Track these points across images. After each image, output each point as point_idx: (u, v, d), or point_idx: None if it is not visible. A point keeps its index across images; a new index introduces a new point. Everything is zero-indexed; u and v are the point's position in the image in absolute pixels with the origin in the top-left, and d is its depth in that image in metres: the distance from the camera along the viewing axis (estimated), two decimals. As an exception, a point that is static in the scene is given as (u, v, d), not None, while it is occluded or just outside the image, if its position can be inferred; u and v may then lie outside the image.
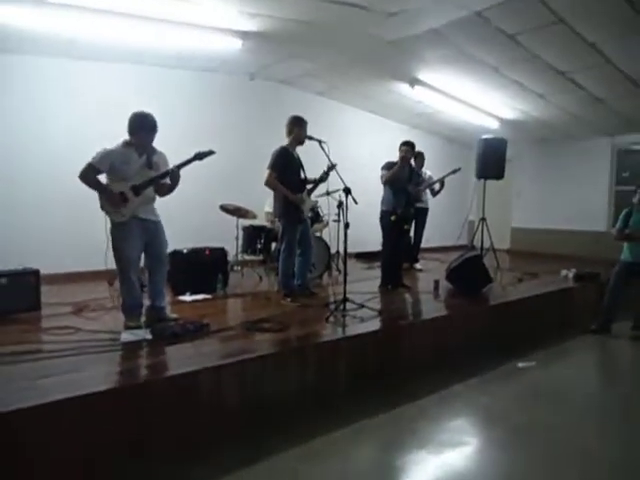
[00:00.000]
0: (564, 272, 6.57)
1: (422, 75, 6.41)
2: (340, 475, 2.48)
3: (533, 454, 2.72)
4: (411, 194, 5.41)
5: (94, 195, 3.35)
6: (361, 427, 2.96)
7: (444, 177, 7.00)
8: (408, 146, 5.30)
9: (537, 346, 4.72)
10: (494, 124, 8.32)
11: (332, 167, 4.46)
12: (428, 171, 7.12)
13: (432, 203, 7.42)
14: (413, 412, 3.21)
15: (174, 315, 3.73)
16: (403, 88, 6.91)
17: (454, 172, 6.89)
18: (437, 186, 7.14)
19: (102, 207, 3.36)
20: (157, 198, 3.61)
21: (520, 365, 4.21)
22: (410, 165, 5.56)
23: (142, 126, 3.43)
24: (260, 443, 2.69)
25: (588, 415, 3.36)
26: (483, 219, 7.03)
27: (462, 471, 2.53)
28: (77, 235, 5.37)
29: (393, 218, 5.18)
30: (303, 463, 2.54)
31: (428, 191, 7.10)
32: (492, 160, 6.92)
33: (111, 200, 3.31)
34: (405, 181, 5.32)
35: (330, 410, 3.12)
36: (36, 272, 4.10)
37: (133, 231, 3.39)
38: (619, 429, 3.16)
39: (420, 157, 6.75)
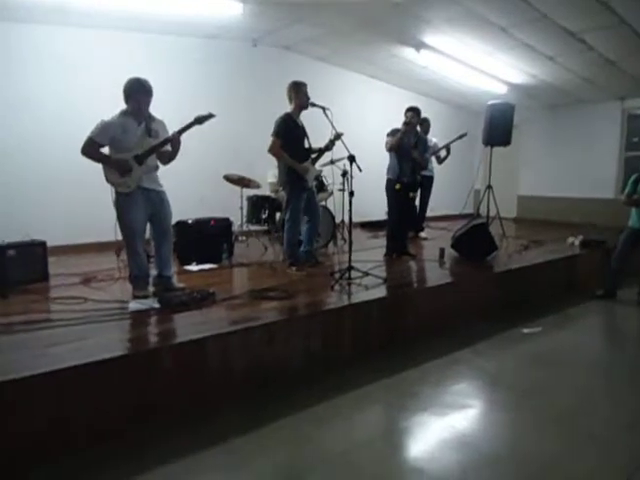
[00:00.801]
0: (570, 239, 6.55)
1: (428, 38, 6.24)
2: (345, 437, 2.54)
3: (537, 416, 2.76)
4: (417, 161, 5.32)
5: (100, 166, 3.34)
6: (366, 392, 3.01)
7: (450, 143, 6.89)
8: (413, 112, 5.18)
9: (543, 312, 4.75)
10: (502, 89, 8.13)
11: (338, 137, 4.39)
12: (434, 138, 7.01)
13: (438, 171, 7.34)
14: (417, 376, 3.26)
15: (181, 284, 3.76)
16: (409, 53, 6.74)
17: (460, 137, 6.78)
18: (443, 153, 7.04)
19: (107, 179, 3.35)
20: (161, 168, 3.59)
21: (525, 331, 4.24)
22: (416, 131, 5.46)
23: (138, 90, 3.39)
24: (266, 407, 2.75)
25: (593, 378, 3.40)
26: (489, 187, 6.94)
27: (466, 432, 2.58)
28: (83, 207, 5.37)
29: (398, 187, 5.12)
30: (309, 427, 2.60)
31: (434, 158, 7.01)
32: (499, 126, 6.78)
33: (119, 167, 3.29)
34: (410, 148, 5.22)
35: (335, 376, 3.18)
36: (43, 244, 4.15)
37: (138, 202, 3.40)
38: (625, 390, 3.20)
39: (426, 123, 6.63)
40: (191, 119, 3.43)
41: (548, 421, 2.70)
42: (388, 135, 5.27)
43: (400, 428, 2.64)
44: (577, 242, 6.40)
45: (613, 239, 5.56)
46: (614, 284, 5.20)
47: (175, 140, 3.43)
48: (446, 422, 2.69)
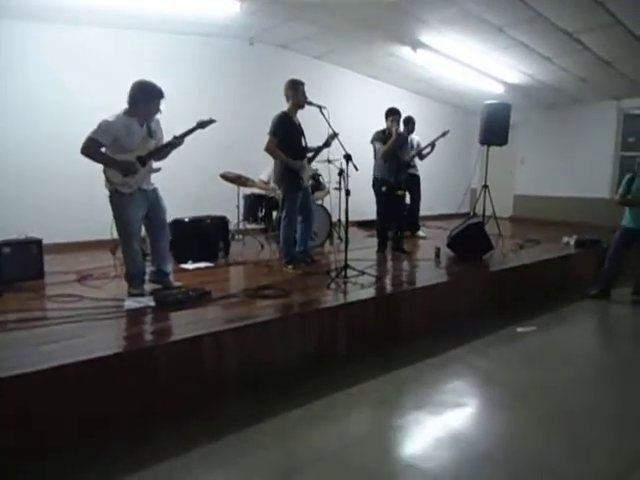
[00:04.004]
0: (565, 239, 6.59)
1: (425, 38, 6.25)
2: (341, 435, 2.55)
3: (532, 414, 2.78)
4: (402, 161, 5.58)
5: (96, 165, 3.28)
6: (361, 389, 3.02)
7: (434, 141, 6.92)
8: (396, 115, 5.43)
9: (537, 311, 4.77)
10: (499, 89, 8.15)
11: (334, 136, 4.40)
12: (417, 137, 7.01)
13: (434, 171, 7.37)
14: (413, 375, 3.27)
15: (177, 283, 3.76)
16: (406, 52, 6.75)
17: (443, 135, 6.81)
18: (427, 150, 7.06)
19: (109, 179, 3.29)
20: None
21: (520, 330, 4.26)
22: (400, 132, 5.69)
23: (152, 95, 3.34)
24: (261, 405, 2.75)
25: (587, 376, 3.42)
26: (486, 186, 6.97)
27: (461, 430, 2.59)
28: (79, 205, 5.37)
29: (384, 189, 5.39)
30: (303, 424, 2.61)
31: (417, 157, 7.04)
32: (496, 126, 6.81)
33: (126, 169, 3.26)
34: (396, 149, 5.45)
35: (331, 374, 3.18)
36: (39, 241, 4.15)
37: (137, 202, 3.39)
38: (619, 389, 3.22)
39: (411, 123, 6.66)
40: (193, 124, 3.45)
41: (542, 420, 2.72)
42: (375, 140, 5.52)
43: (395, 426, 2.65)
44: (572, 241, 6.44)
45: (608, 239, 5.59)
46: (608, 283, 5.22)
47: (177, 143, 3.45)
48: (441, 420, 2.70)
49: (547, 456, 2.34)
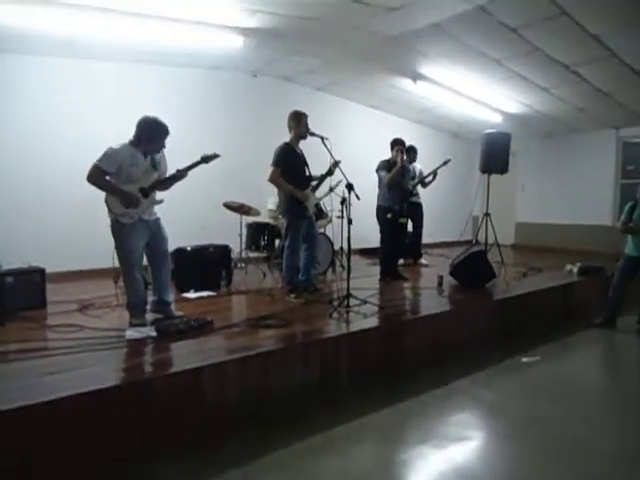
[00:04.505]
0: (568, 267, 6.55)
1: (424, 70, 6.39)
2: (343, 470, 2.49)
3: (535, 448, 2.72)
4: (405, 189, 5.75)
5: (99, 194, 3.33)
6: (364, 422, 2.97)
7: (436, 170, 7.00)
8: (401, 145, 5.61)
9: (542, 341, 4.71)
10: (498, 118, 8.28)
11: (336, 164, 4.47)
12: (418, 165, 7.09)
13: (436, 199, 7.42)
14: (416, 407, 3.22)
15: (179, 312, 3.76)
16: (406, 83, 6.90)
17: (445, 164, 6.90)
18: (429, 179, 7.14)
19: (110, 208, 3.33)
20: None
21: (524, 360, 4.21)
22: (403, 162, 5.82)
23: (159, 133, 3.41)
24: (262, 438, 2.71)
25: (592, 410, 3.35)
26: (487, 214, 6.99)
27: (466, 465, 2.53)
28: (82, 234, 5.41)
29: (389, 216, 5.50)
30: (305, 458, 2.55)
31: (419, 185, 7.11)
32: (496, 154, 6.88)
33: (128, 200, 3.30)
34: (400, 178, 5.62)
35: (333, 405, 3.14)
36: (41, 271, 4.16)
37: (138, 231, 3.41)
38: (623, 423, 3.15)
39: (412, 151, 6.76)
40: (197, 157, 3.53)
41: (547, 453, 2.66)
42: (380, 169, 5.65)
43: (398, 461, 2.59)
44: (575, 269, 6.41)
45: (611, 266, 5.56)
46: (613, 312, 5.18)
47: (181, 177, 3.52)
48: (445, 454, 2.64)
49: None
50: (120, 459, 2.39)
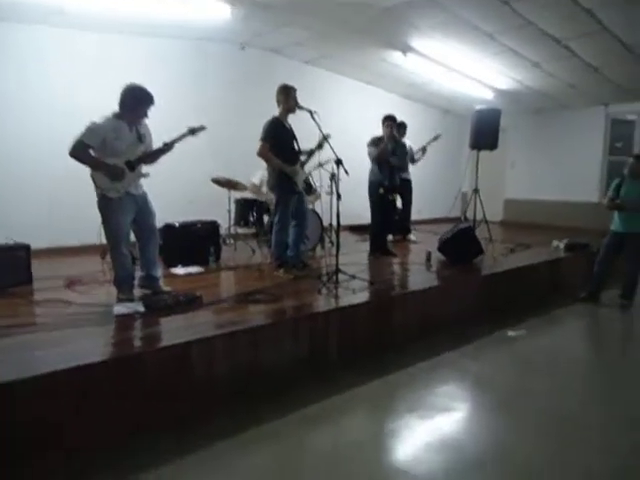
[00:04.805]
0: (555, 243, 6.64)
1: (415, 43, 6.29)
2: (332, 440, 2.54)
3: (521, 419, 2.79)
4: (394, 166, 5.76)
5: (82, 167, 3.26)
6: (353, 394, 3.01)
7: (426, 145, 6.98)
8: (391, 121, 5.64)
9: (528, 315, 4.80)
10: (489, 94, 8.23)
11: (325, 138, 4.41)
12: (408, 141, 7.05)
13: (425, 175, 7.41)
14: (404, 379, 3.27)
15: (167, 288, 3.73)
16: (396, 57, 6.79)
17: (435, 139, 6.90)
18: (419, 154, 7.12)
19: (96, 183, 3.27)
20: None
21: (510, 334, 4.28)
22: (395, 138, 5.85)
23: (145, 101, 3.34)
24: (252, 411, 2.73)
25: (576, 382, 3.44)
26: (476, 190, 7.01)
27: (452, 435, 2.59)
28: (67, 210, 5.32)
29: (381, 191, 5.52)
30: (295, 430, 2.59)
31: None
32: (486, 131, 6.87)
33: (113, 173, 3.24)
34: (389, 155, 5.64)
35: (322, 379, 3.17)
36: (27, 247, 4.10)
37: (126, 206, 3.36)
38: (605, 395, 3.25)
39: (402, 127, 6.72)
40: (184, 130, 3.46)
41: (532, 424, 2.73)
42: (369, 145, 5.66)
43: (387, 430, 2.64)
44: (561, 245, 6.49)
45: (597, 242, 5.64)
46: (597, 287, 5.27)
47: (168, 151, 3.46)
48: (432, 424, 2.70)
49: (535, 462, 2.35)
50: (108, 434, 2.40)
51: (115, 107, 3.34)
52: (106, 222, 3.35)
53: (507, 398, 3.07)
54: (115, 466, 2.20)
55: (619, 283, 5.25)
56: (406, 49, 6.47)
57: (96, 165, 3.24)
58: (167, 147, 3.47)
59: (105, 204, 3.31)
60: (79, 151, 3.19)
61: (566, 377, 3.46)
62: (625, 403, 3.06)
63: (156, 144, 3.52)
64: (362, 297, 3.80)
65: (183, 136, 3.48)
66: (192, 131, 3.50)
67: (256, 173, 5.65)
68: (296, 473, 2.25)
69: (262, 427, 2.59)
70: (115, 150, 3.27)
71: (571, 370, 3.62)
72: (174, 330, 2.92)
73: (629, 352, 4.28)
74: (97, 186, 3.28)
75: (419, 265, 5.22)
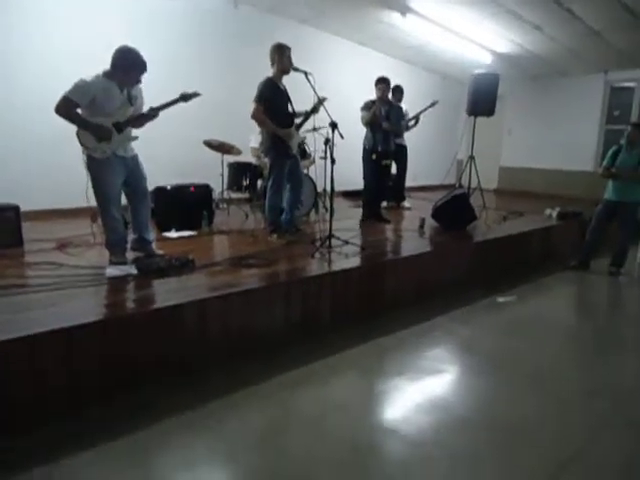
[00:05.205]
0: (548, 211, 6.66)
1: (414, 3, 6.09)
2: (321, 400, 2.59)
3: (508, 381, 2.86)
4: (388, 131, 5.63)
5: (72, 128, 3.17)
6: (344, 356, 3.06)
7: (422, 111, 6.86)
8: (384, 83, 5.48)
9: (518, 281, 4.86)
10: (487, 58, 8.05)
11: (322, 101, 4.31)
12: (404, 105, 6.93)
13: (420, 142, 7.32)
14: (394, 342, 3.33)
15: (160, 251, 3.72)
16: (395, 18, 6.59)
17: (432, 105, 6.77)
18: (411, 122, 7.00)
19: (81, 142, 3.20)
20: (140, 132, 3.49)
21: (500, 299, 4.34)
22: (389, 101, 5.70)
23: (137, 66, 3.21)
24: (243, 372, 2.78)
25: (563, 345, 3.52)
26: (472, 157, 6.96)
27: (441, 396, 2.65)
28: (58, 171, 5.21)
29: (374, 157, 5.45)
30: (284, 390, 2.64)
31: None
32: (483, 96, 6.76)
33: (99, 133, 3.15)
34: (382, 119, 5.53)
35: (313, 341, 3.22)
36: (16, 208, 4.03)
37: (115, 167, 3.29)
38: (592, 358, 3.33)
39: (398, 91, 6.58)
40: (176, 95, 3.34)
41: (518, 386, 2.80)
42: (363, 109, 5.53)
43: (376, 392, 2.70)
44: (554, 214, 6.51)
45: (590, 211, 5.66)
46: (588, 255, 5.32)
47: (154, 117, 3.36)
48: (421, 386, 2.76)
49: (520, 422, 2.41)
50: (103, 395, 2.43)
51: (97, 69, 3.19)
52: (95, 184, 3.28)
53: (495, 361, 3.14)
54: (107, 427, 2.23)
55: (611, 252, 5.30)
56: (404, 9, 6.27)
57: (82, 124, 3.15)
58: (153, 113, 3.36)
59: (92, 164, 3.23)
60: (64, 108, 3.09)
61: (552, 341, 3.53)
62: (603, 365, 3.16)
63: (145, 107, 3.42)
64: (355, 262, 3.81)
65: (174, 102, 3.35)
66: (184, 97, 3.35)
67: (252, 137, 5.55)
68: (286, 431, 2.30)
69: (252, 388, 2.63)
70: (104, 110, 3.17)
71: (557, 334, 3.70)
72: (167, 292, 2.92)
73: (613, 318, 4.36)
74: (82, 145, 3.20)
75: (412, 232, 5.22)
